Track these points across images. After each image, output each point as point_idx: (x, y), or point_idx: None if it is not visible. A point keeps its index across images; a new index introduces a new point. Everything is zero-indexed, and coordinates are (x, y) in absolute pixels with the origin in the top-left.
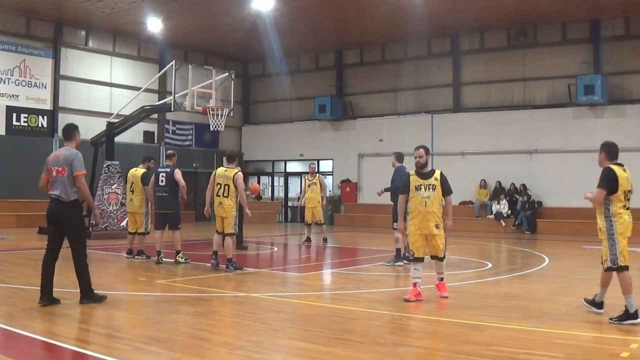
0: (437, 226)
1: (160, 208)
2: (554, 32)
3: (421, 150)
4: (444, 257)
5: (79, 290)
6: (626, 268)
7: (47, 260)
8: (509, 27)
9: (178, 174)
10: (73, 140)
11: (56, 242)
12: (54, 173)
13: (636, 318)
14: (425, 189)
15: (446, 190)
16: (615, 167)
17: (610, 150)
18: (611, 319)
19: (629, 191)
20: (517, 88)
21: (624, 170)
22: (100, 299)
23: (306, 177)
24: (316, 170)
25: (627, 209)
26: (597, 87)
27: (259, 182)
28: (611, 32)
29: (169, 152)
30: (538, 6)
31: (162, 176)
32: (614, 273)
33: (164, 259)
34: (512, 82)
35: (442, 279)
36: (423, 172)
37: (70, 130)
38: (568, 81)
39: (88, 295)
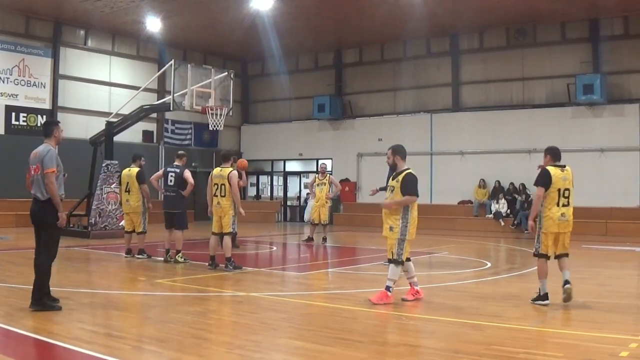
0: (390, 228)
1: (168, 208)
2: (553, 31)
3: (388, 151)
4: (393, 261)
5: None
6: (545, 256)
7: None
8: (508, 27)
9: (188, 173)
10: (52, 137)
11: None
12: (32, 172)
13: (545, 300)
14: (388, 191)
15: (404, 191)
16: (551, 168)
17: (554, 154)
18: (532, 300)
19: (566, 189)
20: (516, 87)
21: (562, 171)
22: (53, 307)
23: (317, 176)
24: (326, 170)
25: (564, 205)
26: (596, 87)
27: (258, 182)
28: (610, 32)
29: (180, 152)
30: (537, 6)
31: (171, 176)
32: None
33: (172, 258)
34: (511, 81)
35: (387, 287)
36: (394, 174)
37: (48, 126)
38: (567, 80)
39: (38, 302)
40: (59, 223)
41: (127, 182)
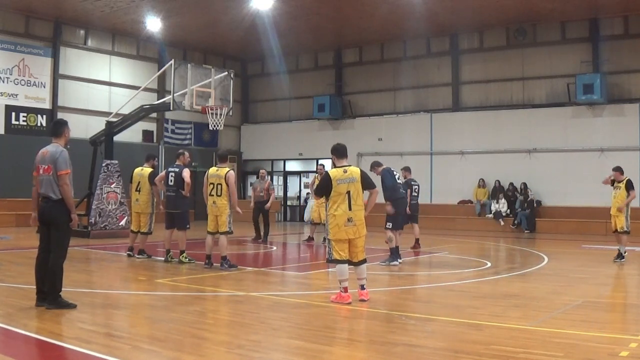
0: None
1: (169, 208)
2: (553, 31)
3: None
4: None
5: (47, 292)
6: (628, 233)
7: (39, 261)
8: (507, 26)
9: (186, 172)
10: (62, 137)
11: (48, 241)
12: (41, 171)
13: (622, 258)
14: None
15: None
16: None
17: (619, 170)
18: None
19: None
20: (516, 87)
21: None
22: (68, 305)
23: (316, 176)
24: (324, 171)
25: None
26: (596, 86)
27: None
28: (610, 31)
29: (179, 151)
30: (537, 5)
31: (171, 176)
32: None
33: (173, 258)
34: (511, 81)
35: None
36: None
37: (59, 126)
38: (567, 80)
39: (54, 301)
40: (71, 224)
41: (139, 182)
